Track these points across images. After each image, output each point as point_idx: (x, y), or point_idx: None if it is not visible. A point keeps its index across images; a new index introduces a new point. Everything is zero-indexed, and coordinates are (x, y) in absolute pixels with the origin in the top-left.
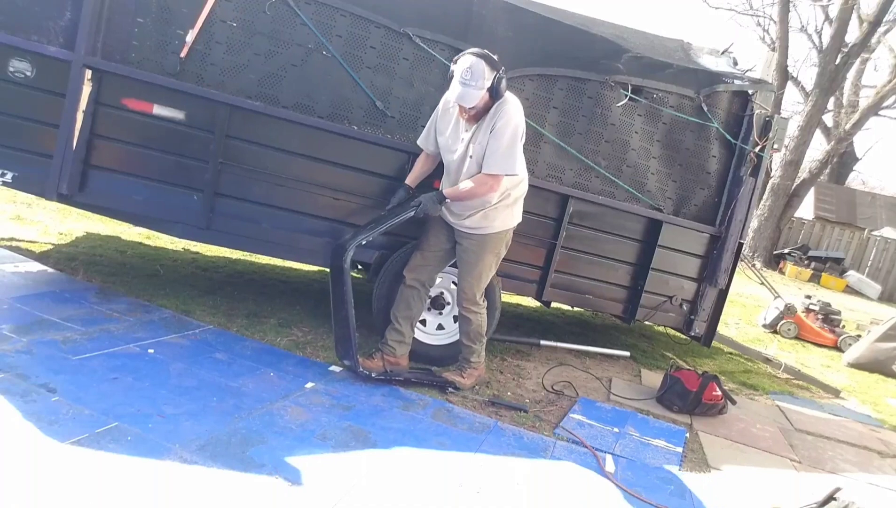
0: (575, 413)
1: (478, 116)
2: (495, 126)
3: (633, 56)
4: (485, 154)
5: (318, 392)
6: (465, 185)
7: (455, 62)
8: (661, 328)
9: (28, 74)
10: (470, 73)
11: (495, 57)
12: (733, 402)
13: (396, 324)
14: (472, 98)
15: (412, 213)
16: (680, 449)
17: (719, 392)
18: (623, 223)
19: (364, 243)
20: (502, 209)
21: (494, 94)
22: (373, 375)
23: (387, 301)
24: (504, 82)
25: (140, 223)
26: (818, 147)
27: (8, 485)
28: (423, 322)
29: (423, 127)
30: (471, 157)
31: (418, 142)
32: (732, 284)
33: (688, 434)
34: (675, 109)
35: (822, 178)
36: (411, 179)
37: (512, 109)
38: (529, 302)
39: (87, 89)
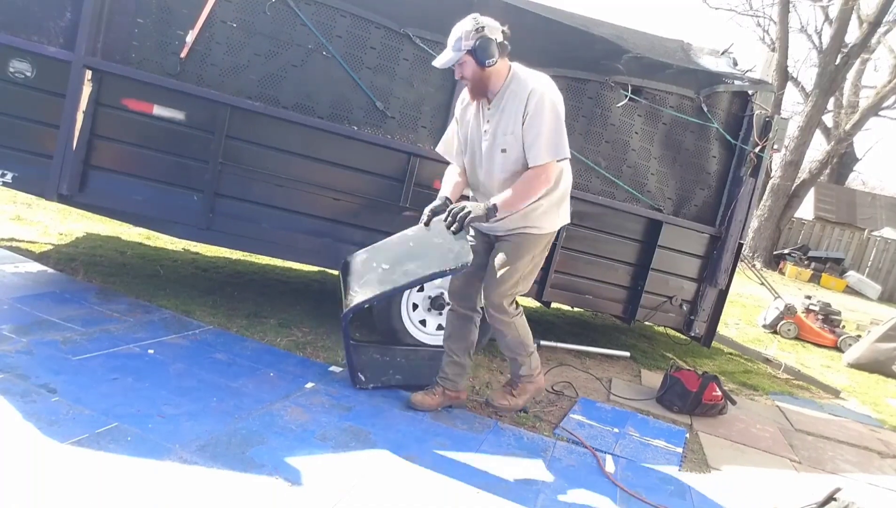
0: (575, 414)
1: (478, 89)
2: (528, 110)
3: (633, 56)
4: (524, 144)
5: (318, 393)
6: (515, 189)
7: None
8: (661, 329)
9: (28, 74)
10: (452, 35)
11: (493, 23)
12: (733, 402)
13: (455, 357)
14: (448, 59)
15: (461, 264)
16: (680, 450)
17: (719, 393)
18: (623, 224)
19: (370, 303)
20: (548, 208)
21: (477, 56)
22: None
23: (387, 302)
24: (487, 42)
25: (140, 223)
26: (818, 147)
27: (8, 485)
28: (424, 322)
29: (424, 127)
30: (503, 151)
31: (438, 150)
32: (732, 284)
33: (688, 435)
34: (676, 110)
35: (822, 178)
36: (452, 194)
37: (542, 86)
38: (529, 302)
39: (87, 90)
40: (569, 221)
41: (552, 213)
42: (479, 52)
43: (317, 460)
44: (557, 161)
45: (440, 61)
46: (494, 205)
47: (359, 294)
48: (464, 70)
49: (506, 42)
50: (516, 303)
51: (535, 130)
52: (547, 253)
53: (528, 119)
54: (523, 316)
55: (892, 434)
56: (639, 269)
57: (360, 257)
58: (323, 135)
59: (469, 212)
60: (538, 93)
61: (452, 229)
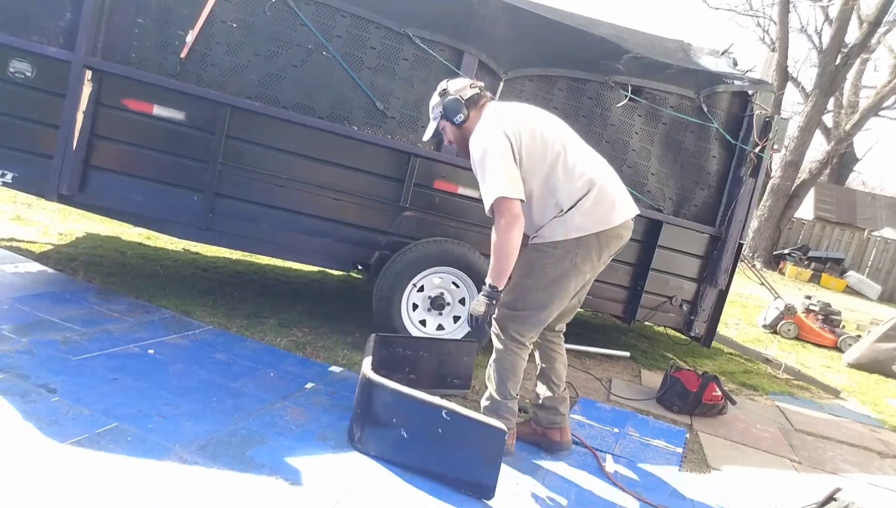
0: (575, 414)
1: (461, 148)
2: (472, 163)
3: (633, 57)
4: None
5: (318, 392)
6: (494, 246)
7: None
8: (661, 329)
9: (28, 74)
10: (429, 107)
11: (458, 83)
12: (733, 402)
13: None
14: (430, 129)
15: (476, 493)
16: (680, 450)
17: (719, 393)
18: None
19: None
20: (554, 218)
21: (450, 117)
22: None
23: (387, 302)
24: (452, 102)
25: (140, 223)
26: (818, 148)
27: (8, 485)
28: (424, 323)
29: (423, 127)
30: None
31: None
32: (732, 284)
33: (688, 435)
34: (676, 110)
35: (822, 178)
36: None
37: (477, 130)
38: None
39: (87, 90)
40: (590, 231)
41: (557, 225)
42: (449, 113)
43: (317, 460)
44: (505, 197)
45: (426, 135)
46: (488, 284)
47: (369, 443)
48: (447, 135)
49: (481, 93)
50: (521, 334)
51: (480, 177)
52: (569, 269)
53: (475, 171)
54: (521, 361)
55: (892, 434)
56: (639, 269)
57: (387, 391)
58: (323, 135)
59: (471, 315)
60: (472, 145)
61: (474, 336)
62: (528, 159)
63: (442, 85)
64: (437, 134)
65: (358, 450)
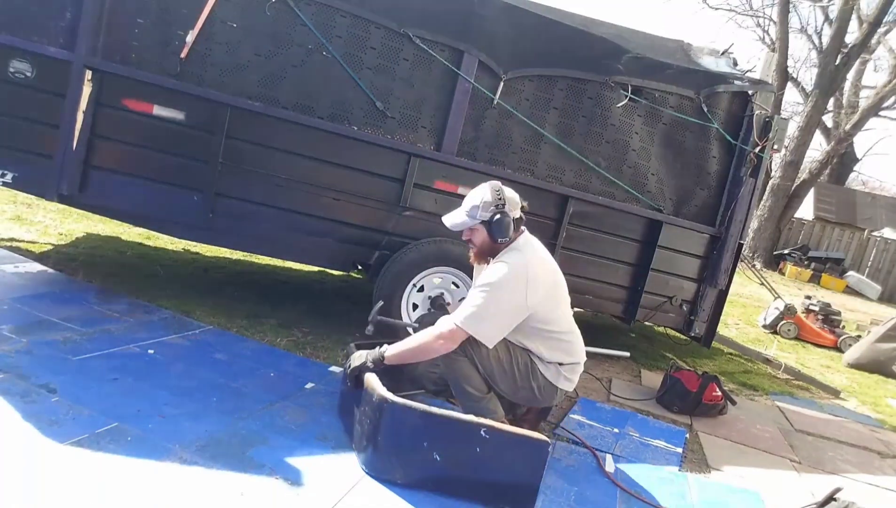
0: (575, 414)
1: (483, 256)
2: (484, 272)
3: (633, 57)
4: None
5: (318, 393)
6: (415, 337)
7: None
8: (661, 329)
9: (28, 74)
10: (469, 199)
11: (514, 198)
12: (733, 402)
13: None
14: (459, 223)
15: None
16: (680, 450)
17: (719, 393)
18: (623, 224)
19: None
20: (552, 367)
21: (492, 230)
22: None
23: (388, 302)
24: (505, 220)
25: (140, 223)
26: (818, 148)
27: (8, 485)
28: None
29: (423, 127)
30: None
31: None
32: (732, 284)
33: (688, 435)
34: (676, 110)
35: (821, 178)
36: None
37: (512, 259)
38: None
39: (87, 90)
40: (559, 386)
41: (549, 371)
42: (495, 227)
43: (317, 460)
44: (468, 332)
45: (450, 221)
46: (383, 354)
47: (395, 470)
48: (473, 236)
49: (523, 215)
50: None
51: (471, 293)
52: (522, 370)
53: (477, 282)
54: (459, 365)
55: (892, 434)
56: (639, 269)
57: (416, 413)
58: (323, 135)
59: (351, 364)
60: (501, 263)
61: (349, 386)
62: (540, 309)
63: (500, 193)
64: (460, 229)
65: (378, 479)
